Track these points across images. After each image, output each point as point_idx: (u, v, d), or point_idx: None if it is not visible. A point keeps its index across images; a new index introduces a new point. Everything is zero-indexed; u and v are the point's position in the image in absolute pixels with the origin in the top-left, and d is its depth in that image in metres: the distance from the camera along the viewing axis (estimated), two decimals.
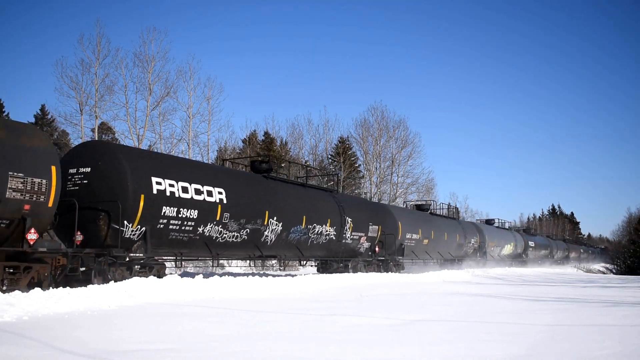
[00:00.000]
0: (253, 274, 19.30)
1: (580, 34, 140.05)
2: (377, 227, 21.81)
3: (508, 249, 41.47)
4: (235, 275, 17.18)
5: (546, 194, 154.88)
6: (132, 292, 10.23)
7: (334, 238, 19.18)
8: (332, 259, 20.39)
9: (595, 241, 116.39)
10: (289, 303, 10.51)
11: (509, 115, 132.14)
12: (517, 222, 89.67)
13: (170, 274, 14.01)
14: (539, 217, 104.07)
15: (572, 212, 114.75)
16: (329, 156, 45.61)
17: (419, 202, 34.10)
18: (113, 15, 71.72)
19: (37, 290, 9.28)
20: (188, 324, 7.32)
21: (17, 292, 9.18)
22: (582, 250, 76.16)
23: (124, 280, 11.19)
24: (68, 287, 10.13)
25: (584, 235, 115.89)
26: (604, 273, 48.94)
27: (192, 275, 14.28)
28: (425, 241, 27.11)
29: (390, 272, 21.88)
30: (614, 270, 49.59)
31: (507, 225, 47.12)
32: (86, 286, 10.48)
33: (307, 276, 16.90)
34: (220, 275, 15.49)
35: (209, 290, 11.58)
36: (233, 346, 5.67)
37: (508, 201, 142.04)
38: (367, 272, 20.57)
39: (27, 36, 66.39)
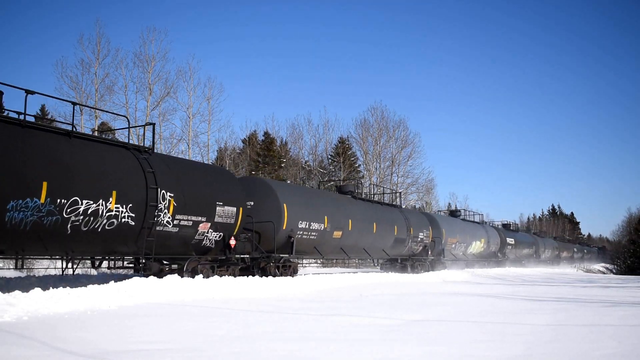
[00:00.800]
0: (253, 274, 19.30)
1: (580, 33, 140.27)
2: (233, 209, 14.70)
3: (477, 246, 34.49)
4: (235, 275, 17.20)
5: (546, 194, 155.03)
6: (132, 292, 10.24)
7: (133, 223, 12.03)
8: (134, 256, 13.04)
9: (595, 241, 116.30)
10: (289, 303, 10.52)
11: (509, 116, 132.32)
12: (517, 222, 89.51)
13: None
14: (539, 217, 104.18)
15: (572, 212, 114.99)
16: (329, 156, 45.67)
17: (344, 184, 26.46)
18: (113, 15, 71.80)
19: (37, 290, 9.29)
20: (188, 324, 7.33)
21: (17, 292, 9.18)
22: (575, 250, 71.63)
23: (124, 280, 11.20)
24: (68, 287, 10.14)
25: (584, 235, 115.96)
26: (603, 273, 48.91)
27: (192, 275, 14.29)
28: (337, 234, 19.39)
29: (271, 277, 15.48)
30: (614, 270, 49.61)
31: (476, 218, 40.19)
32: (86, 286, 10.49)
33: (307, 276, 16.93)
34: (220, 275, 15.50)
35: (209, 291, 11.59)
36: (233, 346, 5.68)
37: (508, 201, 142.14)
38: (219, 276, 14.33)
39: (27, 36, 66.39)
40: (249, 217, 15.73)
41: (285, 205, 16.82)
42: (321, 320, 7.98)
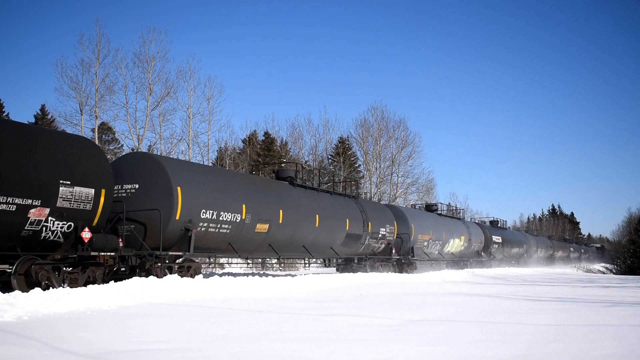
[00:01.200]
0: (253, 274, 19.32)
1: (580, 33, 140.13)
2: (89, 191, 11.29)
3: (456, 244, 30.87)
4: (235, 275, 17.22)
5: (546, 194, 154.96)
6: (132, 292, 10.25)
7: None
8: None
9: (595, 241, 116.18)
10: (289, 303, 10.52)
11: (509, 116, 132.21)
12: (517, 222, 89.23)
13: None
14: (539, 217, 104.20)
15: (572, 212, 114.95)
16: (329, 156, 45.67)
17: (281, 169, 20.83)
18: (113, 15, 71.82)
19: (37, 290, 9.30)
20: (188, 324, 7.33)
21: (17, 292, 9.18)
22: (572, 249, 67.34)
23: (124, 280, 11.21)
24: (68, 287, 10.15)
25: (583, 235, 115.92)
26: (603, 273, 48.90)
27: (192, 275, 14.29)
28: (262, 227, 15.71)
29: (155, 277, 12.08)
30: (614, 270, 49.60)
31: (463, 214, 36.68)
32: (86, 286, 10.50)
33: (307, 276, 16.93)
34: (220, 275, 15.51)
35: (209, 290, 11.60)
36: (233, 346, 5.68)
37: (508, 201, 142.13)
38: (69, 281, 11.17)
39: (27, 36, 66.41)
40: (119, 202, 12.54)
41: (179, 188, 13.06)
42: (321, 320, 7.98)
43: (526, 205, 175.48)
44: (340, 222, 19.91)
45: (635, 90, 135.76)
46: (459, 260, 32.35)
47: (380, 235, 22.46)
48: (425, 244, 26.87)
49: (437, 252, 28.67)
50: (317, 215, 18.35)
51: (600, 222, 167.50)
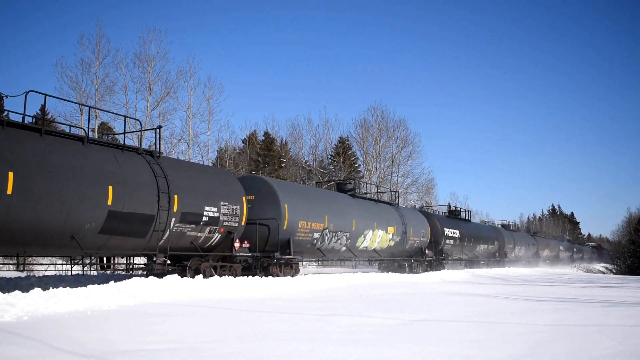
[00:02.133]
0: (253, 274, 19.31)
1: (580, 34, 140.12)
2: None
3: (380, 239, 21.86)
4: (234, 275, 17.20)
5: (546, 194, 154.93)
6: (132, 292, 10.26)
7: None
8: None
9: (595, 241, 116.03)
10: (288, 303, 10.52)
11: (509, 115, 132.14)
12: (517, 222, 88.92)
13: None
14: (539, 217, 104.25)
15: (572, 212, 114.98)
16: (329, 156, 45.68)
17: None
18: (113, 15, 71.78)
19: (37, 290, 9.29)
20: (188, 324, 7.33)
21: (17, 292, 9.19)
22: (562, 248, 58.53)
23: (124, 280, 11.21)
24: (68, 287, 10.15)
25: (583, 235, 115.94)
26: (603, 273, 48.87)
27: (192, 275, 14.29)
28: None
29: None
30: (614, 270, 49.58)
31: (384, 197, 28.35)
32: (86, 286, 10.50)
33: (307, 276, 16.92)
34: (220, 275, 15.48)
35: (208, 290, 11.60)
36: (232, 346, 5.68)
37: (508, 201, 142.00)
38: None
39: (27, 36, 66.39)
40: None
41: None
42: (321, 320, 7.98)
43: (526, 205, 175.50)
44: (93, 191, 11.18)
45: (635, 90, 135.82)
46: (390, 261, 24.50)
47: (205, 220, 13.95)
48: (317, 235, 18.00)
49: (344, 248, 19.87)
50: (10, 174, 9.67)
51: (600, 222, 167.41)
